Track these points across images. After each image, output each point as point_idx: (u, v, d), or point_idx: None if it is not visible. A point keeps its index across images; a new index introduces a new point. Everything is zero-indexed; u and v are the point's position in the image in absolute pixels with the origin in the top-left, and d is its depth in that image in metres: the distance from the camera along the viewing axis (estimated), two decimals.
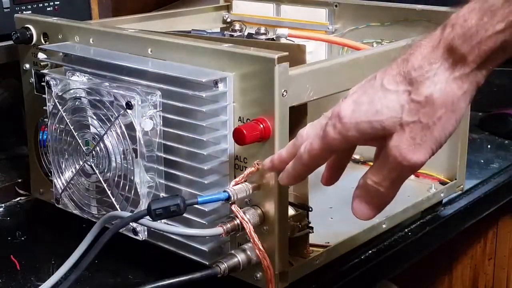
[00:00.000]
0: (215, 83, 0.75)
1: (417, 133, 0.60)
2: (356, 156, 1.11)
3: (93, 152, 0.83)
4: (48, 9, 1.14)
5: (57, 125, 0.87)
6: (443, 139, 0.61)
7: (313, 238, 0.83)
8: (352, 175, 1.08)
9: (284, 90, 0.73)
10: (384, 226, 0.91)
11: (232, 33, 1.03)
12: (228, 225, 0.74)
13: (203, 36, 0.97)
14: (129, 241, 0.84)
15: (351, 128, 0.63)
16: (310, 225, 0.82)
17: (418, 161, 0.61)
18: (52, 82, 0.87)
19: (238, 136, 0.73)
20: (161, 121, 0.80)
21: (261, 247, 0.75)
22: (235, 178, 0.76)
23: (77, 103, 0.85)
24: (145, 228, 0.82)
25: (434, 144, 0.61)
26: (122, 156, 0.81)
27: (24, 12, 1.10)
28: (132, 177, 0.80)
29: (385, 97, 0.61)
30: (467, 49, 0.59)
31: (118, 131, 0.80)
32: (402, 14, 1.03)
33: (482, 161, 1.23)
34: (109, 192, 0.83)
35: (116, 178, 0.82)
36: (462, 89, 0.59)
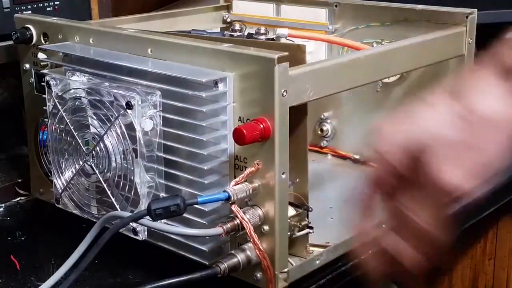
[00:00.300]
0: (215, 83, 0.75)
1: (460, 153, 0.55)
2: (356, 156, 1.12)
3: (93, 152, 0.83)
4: (48, 9, 1.14)
5: (57, 125, 0.87)
6: (488, 160, 0.56)
7: (313, 238, 0.83)
8: (352, 175, 1.08)
9: (284, 90, 0.73)
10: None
11: (232, 33, 1.03)
12: (228, 225, 0.74)
13: (203, 36, 0.97)
14: (129, 241, 0.84)
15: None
16: (310, 225, 0.82)
17: (456, 182, 0.55)
18: (52, 82, 0.87)
19: (238, 136, 0.73)
20: (161, 121, 0.80)
21: (261, 247, 0.75)
22: (235, 178, 0.76)
23: (77, 103, 0.85)
24: (145, 228, 0.82)
25: (477, 166, 0.55)
26: (122, 156, 0.81)
27: (24, 12, 1.10)
28: (132, 177, 0.80)
29: (429, 112, 0.57)
30: None
31: (118, 131, 0.80)
32: (402, 14, 1.03)
33: None
34: (109, 192, 0.83)
35: (116, 178, 0.82)
36: None
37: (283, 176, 0.75)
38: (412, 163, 0.58)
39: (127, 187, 0.81)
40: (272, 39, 1.00)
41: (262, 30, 0.99)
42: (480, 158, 0.55)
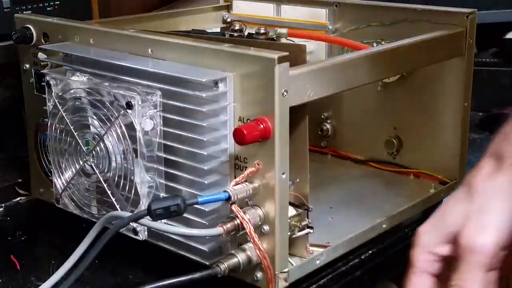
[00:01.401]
0: (215, 83, 0.75)
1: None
2: (356, 156, 1.12)
3: (93, 152, 0.83)
4: (48, 9, 1.15)
5: (57, 125, 0.87)
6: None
7: (313, 238, 0.83)
8: (352, 175, 1.09)
9: (284, 90, 0.73)
10: (384, 226, 0.91)
11: (232, 33, 1.02)
12: (228, 225, 0.74)
13: (203, 36, 0.97)
14: (129, 241, 0.84)
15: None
16: (310, 225, 0.82)
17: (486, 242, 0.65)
18: (52, 82, 0.87)
19: (238, 136, 0.73)
20: (161, 121, 0.80)
21: (261, 247, 0.75)
22: (235, 178, 0.76)
23: (77, 103, 0.85)
24: (145, 228, 0.82)
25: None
26: (122, 156, 0.81)
27: (24, 12, 1.10)
28: (132, 177, 0.80)
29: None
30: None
31: (118, 131, 0.80)
32: (402, 14, 1.03)
33: None
34: (109, 192, 0.83)
35: (116, 178, 0.82)
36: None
37: (283, 176, 0.75)
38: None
39: (127, 187, 0.81)
40: (272, 39, 1.00)
41: (262, 30, 0.99)
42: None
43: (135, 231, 0.83)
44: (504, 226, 0.65)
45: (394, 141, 1.07)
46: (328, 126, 1.15)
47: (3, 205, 1.04)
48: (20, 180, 1.07)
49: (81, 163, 0.85)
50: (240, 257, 0.75)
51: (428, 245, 0.69)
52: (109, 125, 0.81)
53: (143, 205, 0.81)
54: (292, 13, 1.14)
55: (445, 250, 0.68)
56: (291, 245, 0.79)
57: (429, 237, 0.69)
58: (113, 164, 0.82)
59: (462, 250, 0.65)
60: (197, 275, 0.73)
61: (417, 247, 0.70)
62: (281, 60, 0.72)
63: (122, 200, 0.82)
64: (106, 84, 0.82)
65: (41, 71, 0.92)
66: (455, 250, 0.67)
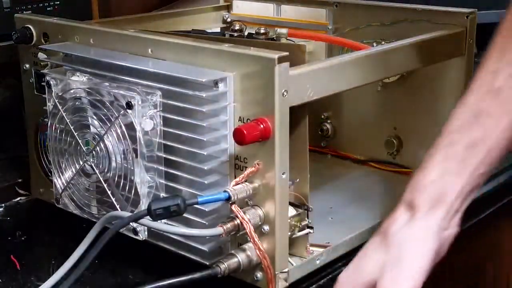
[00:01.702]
0: (215, 83, 0.75)
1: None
2: (356, 156, 1.12)
3: (93, 152, 0.83)
4: (48, 9, 1.15)
5: (57, 125, 0.87)
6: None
7: (313, 238, 0.83)
8: (352, 175, 1.09)
9: (285, 90, 0.73)
10: None
11: (232, 33, 1.03)
12: (228, 225, 0.74)
13: (203, 36, 0.97)
14: (129, 241, 0.84)
15: None
16: (310, 225, 0.82)
17: None
18: (52, 82, 0.87)
19: (238, 136, 0.73)
20: (161, 121, 0.80)
21: (261, 247, 0.75)
22: (235, 178, 0.76)
23: (77, 103, 0.85)
24: (145, 228, 0.82)
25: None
26: (122, 156, 0.81)
27: (24, 12, 1.10)
28: (132, 177, 0.80)
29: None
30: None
31: (118, 131, 0.80)
32: (402, 14, 1.03)
33: None
34: (109, 192, 0.83)
35: (116, 178, 0.82)
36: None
37: (283, 176, 0.75)
38: None
39: (127, 187, 0.81)
40: (272, 39, 1.00)
41: (262, 30, 0.99)
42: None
43: (135, 231, 0.83)
44: (420, 275, 0.68)
45: (394, 141, 1.07)
46: (328, 126, 1.15)
47: (3, 205, 1.04)
48: (20, 180, 1.07)
49: (81, 163, 0.85)
50: (240, 257, 0.75)
51: None
52: (109, 125, 0.81)
53: (143, 205, 0.81)
54: (292, 13, 1.14)
55: None
56: (291, 245, 0.79)
57: (349, 285, 0.71)
58: (113, 164, 0.82)
59: None
60: (197, 275, 0.73)
61: None
62: (281, 60, 0.72)
63: (122, 200, 0.82)
64: (106, 84, 0.82)
65: (41, 71, 0.92)
66: None
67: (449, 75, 1.00)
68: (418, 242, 0.69)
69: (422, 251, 0.69)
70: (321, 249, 0.83)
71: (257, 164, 0.75)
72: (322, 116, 1.15)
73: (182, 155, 0.79)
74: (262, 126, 0.73)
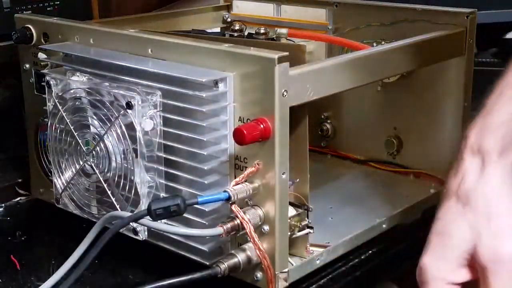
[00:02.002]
0: (215, 83, 0.75)
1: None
2: (356, 156, 1.12)
3: (93, 152, 0.83)
4: (48, 9, 1.15)
5: (57, 125, 0.87)
6: None
7: (313, 238, 0.83)
8: (352, 175, 1.09)
9: (284, 90, 0.73)
10: (384, 226, 0.91)
11: (232, 33, 1.03)
12: (228, 225, 0.74)
13: (203, 36, 0.97)
14: (129, 241, 0.84)
15: None
16: (310, 225, 0.82)
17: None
18: (52, 82, 0.87)
19: (238, 136, 0.73)
20: (161, 121, 0.80)
21: (261, 247, 0.75)
22: (235, 178, 0.76)
23: (77, 103, 0.85)
24: (145, 228, 0.82)
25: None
26: (122, 156, 0.81)
27: (24, 12, 1.10)
28: (132, 177, 0.80)
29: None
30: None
31: (118, 131, 0.80)
32: (402, 14, 1.03)
33: None
34: (109, 192, 0.83)
35: (116, 178, 0.82)
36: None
37: (283, 176, 0.75)
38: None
39: (127, 187, 0.81)
40: (272, 39, 1.00)
41: (262, 30, 0.99)
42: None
43: (135, 231, 0.83)
44: None
45: (394, 141, 1.07)
46: (328, 126, 1.15)
47: (3, 205, 1.04)
48: (20, 180, 1.07)
49: (81, 163, 0.85)
50: (240, 257, 0.75)
51: (442, 277, 0.63)
52: (109, 125, 0.81)
53: (143, 205, 0.81)
54: (292, 13, 1.14)
55: (462, 275, 0.63)
56: (291, 245, 0.79)
57: (439, 267, 0.63)
58: (113, 164, 0.82)
59: (486, 265, 0.61)
60: (197, 275, 0.73)
61: (430, 282, 0.64)
62: (281, 60, 0.72)
63: (122, 200, 0.82)
64: (106, 84, 0.82)
65: (41, 71, 0.92)
66: (475, 270, 0.62)
67: (449, 75, 1.00)
68: (504, 191, 0.62)
69: (509, 199, 0.62)
70: (321, 249, 0.83)
71: (257, 164, 0.75)
72: (322, 116, 1.15)
73: (182, 155, 0.79)
74: (262, 126, 0.73)
